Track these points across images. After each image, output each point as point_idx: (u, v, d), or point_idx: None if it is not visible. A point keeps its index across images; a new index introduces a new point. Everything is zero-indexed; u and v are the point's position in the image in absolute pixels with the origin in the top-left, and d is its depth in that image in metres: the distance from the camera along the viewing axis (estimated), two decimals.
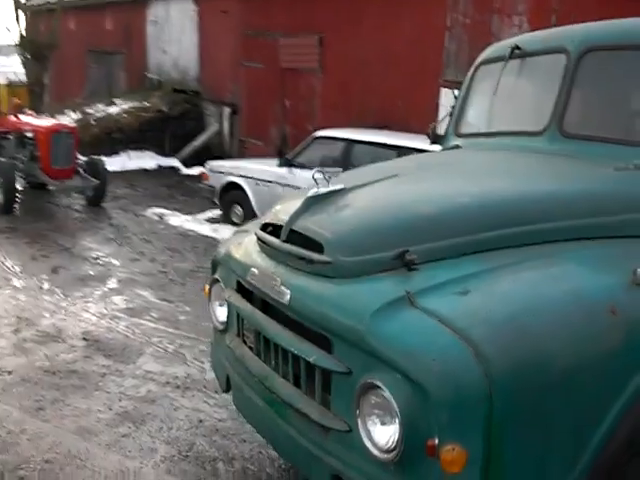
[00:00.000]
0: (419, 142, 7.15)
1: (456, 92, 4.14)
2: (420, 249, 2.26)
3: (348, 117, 11.03)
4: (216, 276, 3.12)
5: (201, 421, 3.78)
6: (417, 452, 1.97)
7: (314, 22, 12.01)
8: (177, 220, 9.00)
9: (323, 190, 2.53)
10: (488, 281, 2.16)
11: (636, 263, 2.22)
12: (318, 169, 2.55)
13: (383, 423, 2.08)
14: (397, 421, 1.99)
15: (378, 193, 2.57)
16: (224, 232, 8.35)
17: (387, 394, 2.00)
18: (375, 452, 2.10)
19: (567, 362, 1.99)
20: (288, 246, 2.48)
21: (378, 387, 2.04)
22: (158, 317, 5.44)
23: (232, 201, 8.71)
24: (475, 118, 3.77)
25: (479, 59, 3.83)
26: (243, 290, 2.85)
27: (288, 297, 2.38)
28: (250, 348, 2.81)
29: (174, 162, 14.22)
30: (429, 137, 4.05)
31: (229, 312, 2.99)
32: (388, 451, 2.06)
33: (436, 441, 1.91)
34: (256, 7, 13.26)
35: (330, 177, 2.54)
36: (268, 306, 2.64)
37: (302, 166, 7.89)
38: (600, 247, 2.38)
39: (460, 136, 3.75)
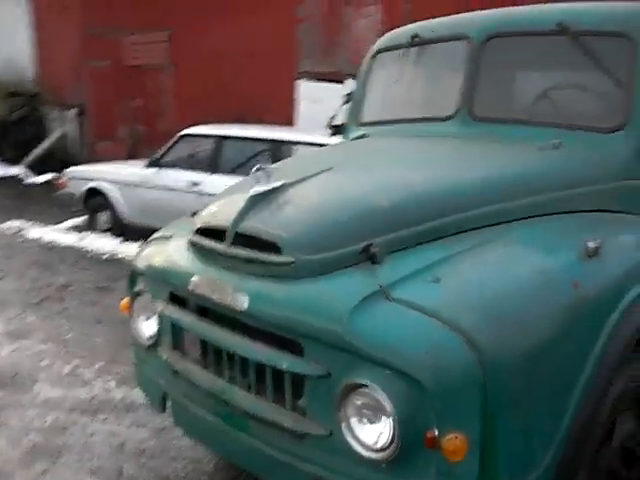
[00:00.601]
0: (294, 134, 7.15)
1: (352, 81, 4.16)
2: (381, 241, 2.23)
3: (204, 113, 10.75)
4: (139, 288, 2.89)
5: (122, 444, 3.51)
6: (414, 446, 1.94)
7: (162, 17, 11.60)
8: (37, 232, 8.31)
9: (264, 188, 2.41)
10: (454, 267, 2.17)
11: (583, 236, 2.34)
12: (259, 166, 2.43)
13: (372, 422, 2.02)
14: (390, 418, 1.94)
15: (323, 187, 2.49)
16: (92, 241, 7.87)
17: (378, 392, 1.95)
18: (364, 453, 2.04)
19: (546, 339, 2.05)
20: (238, 250, 2.34)
21: (366, 386, 1.98)
22: (43, 338, 4.98)
23: (97, 207, 8.19)
24: (378, 106, 3.80)
25: (375, 48, 3.85)
26: (178, 301, 2.66)
27: (245, 304, 2.25)
28: (194, 361, 2.63)
29: (16, 171, 13.13)
30: (330, 128, 4.03)
31: (161, 325, 2.78)
32: (380, 450, 2.01)
33: (436, 432, 1.89)
34: (100, 1, 12.52)
35: (265, 174, 2.43)
36: (208, 315, 2.49)
37: (170, 166, 7.60)
38: (547, 224, 2.48)
39: (363, 125, 3.76)
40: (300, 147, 6.96)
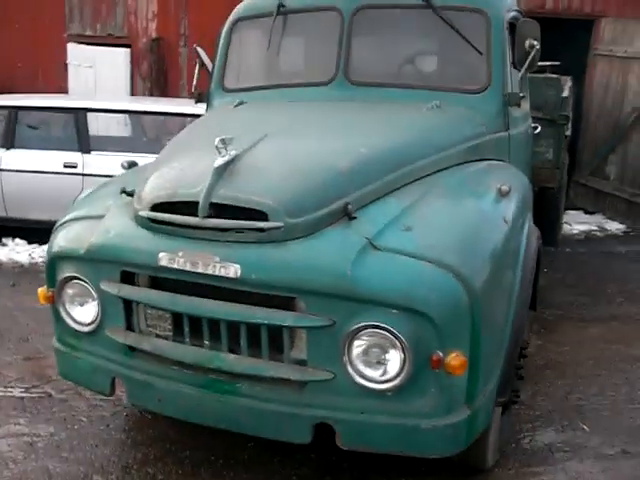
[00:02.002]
0: (96, 102, 6.79)
1: (199, 49, 4.20)
2: (352, 199, 2.48)
3: None
4: (69, 274, 2.75)
5: (31, 444, 3.29)
6: (421, 370, 2.29)
7: None
8: None
9: (225, 158, 2.46)
10: (416, 216, 2.52)
11: (491, 181, 2.86)
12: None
13: (379, 359, 2.31)
14: (400, 350, 2.26)
15: (281, 154, 2.62)
16: None
17: (389, 330, 2.24)
18: (372, 386, 2.33)
19: (498, 265, 2.53)
20: (217, 221, 2.39)
21: (374, 327, 2.26)
22: None
23: None
24: (248, 73, 3.94)
25: (234, 16, 3.94)
26: (130, 280, 2.62)
27: (238, 271, 2.34)
28: (161, 337, 2.63)
29: None
30: (194, 97, 4.03)
31: (108, 307, 2.70)
32: (386, 381, 2.32)
33: (440, 354, 2.26)
34: None
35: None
36: (178, 289, 2.52)
37: None
38: (461, 174, 2.95)
39: (229, 91, 3.86)
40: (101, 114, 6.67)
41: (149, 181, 2.69)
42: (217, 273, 2.38)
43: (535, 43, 3.36)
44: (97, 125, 7.06)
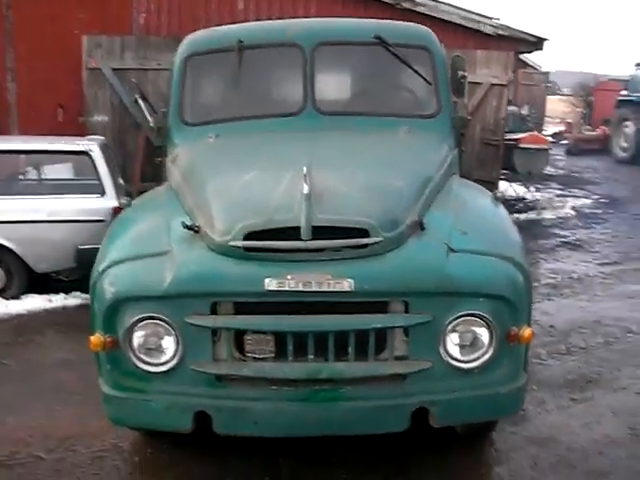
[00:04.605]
0: None
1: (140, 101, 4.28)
2: (417, 213, 2.90)
3: None
4: (143, 314, 2.73)
5: None
6: (501, 345, 2.78)
7: None
8: None
9: (308, 185, 2.66)
10: (462, 222, 2.97)
11: (482, 190, 3.49)
12: None
13: (471, 342, 2.76)
14: (489, 330, 2.74)
15: (348, 181, 2.93)
16: None
17: (480, 315, 2.71)
18: (464, 366, 2.78)
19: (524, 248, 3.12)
20: (321, 242, 2.62)
21: (469, 315, 2.71)
22: None
23: None
24: (210, 107, 4.06)
25: (186, 52, 4.05)
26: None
27: (352, 285, 2.60)
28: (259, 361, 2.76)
29: None
30: (155, 132, 4.03)
31: (191, 342, 2.74)
32: (476, 359, 2.78)
33: (515, 329, 2.78)
34: None
35: None
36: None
37: None
38: (461, 184, 3.52)
39: (191, 125, 3.95)
40: None
41: (221, 214, 2.80)
42: (332, 289, 2.61)
43: (465, 74, 4.05)
44: None
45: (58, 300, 5.83)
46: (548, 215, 10.12)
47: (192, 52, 4.03)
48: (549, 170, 13.29)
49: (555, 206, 10.84)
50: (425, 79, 3.93)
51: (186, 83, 4.00)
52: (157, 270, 2.75)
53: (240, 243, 2.68)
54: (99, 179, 5.99)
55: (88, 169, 6.06)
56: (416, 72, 3.91)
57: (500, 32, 10.47)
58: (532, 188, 11.73)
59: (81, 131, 7.82)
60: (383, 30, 3.96)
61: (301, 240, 2.61)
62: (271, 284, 2.63)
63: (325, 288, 2.62)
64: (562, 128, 20.83)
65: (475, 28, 10.38)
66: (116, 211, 5.93)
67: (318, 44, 3.89)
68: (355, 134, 3.72)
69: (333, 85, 4.06)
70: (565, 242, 8.59)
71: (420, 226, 2.83)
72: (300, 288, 2.62)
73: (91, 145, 6.10)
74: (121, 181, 6.67)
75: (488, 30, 10.45)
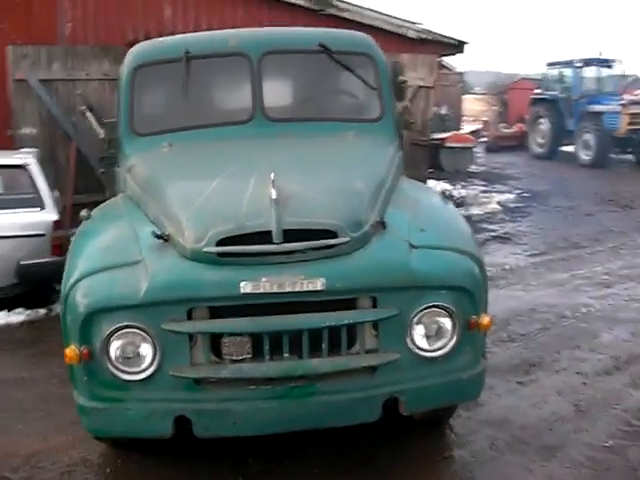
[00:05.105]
0: None
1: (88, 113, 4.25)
2: (379, 213, 3.05)
3: None
4: (120, 324, 2.76)
5: None
6: (463, 333, 2.97)
7: None
8: None
9: (275, 190, 2.78)
10: (420, 220, 3.14)
11: (432, 189, 3.65)
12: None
13: (435, 332, 2.93)
14: (452, 320, 2.92)
15: (311, 185, 3.05)
16: None
17: (444, 306, 2.90)
18: (429, 355, 2.95)
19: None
20: (292, 244, 2.73)
21: (434, 307, 2.89)
22: None
23: None
24: (160, 117, 4.09)
25: (133, 62, 4.06)
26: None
27: (325, 283, 2.72)
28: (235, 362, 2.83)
29: None
30: (105, 143, 4.03)
31: (169, 348, 2.79)
32: (440, 348, 2.96)
33: (475, 317, 2.97)
34: None
35: None
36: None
37: None
38: (417, 185, 3.68)
39: (142, 135, 3.97)
40: None
41: (192, 222, 2.86)
42: (305, 289, 2.73)
43: (405, 79, 4.25)
44: None
45: (1, 317, 5.67)
46: (476, 211, 10.52)
47: (140, 63, 4.06)
48: (472, 167, 13.81)
49: (481, 202, 11.28)
50: (369, 84, 4.10)
51: (135, 94, 4.01)
52: (131, 280, 2.79)
53: (214, 249, 2.75)
54: (37, 193, 5.86)
55: (25, 183, 5.92)
56: (360, 78, 4.08)
57: (423, 36, 10.86)
58: (458, 185, 12.19)
59: (9, 144, 7.61)
60: (327, 38, 4.10)
61: (273, 244, 2.72)
62: (247, 287, 2.72)
63: (299, 288, 2.73)
64: (479, 126, 21.62)
65: (399, 33, 10.72)
66: (57, 225, 5.86)
67: (265, 53, 4.00)
68: (305, 139, 3.84)
69: (281, 92, 4.17)
70: (495, 236, 8.98)
71: (382, 225, 2.98)
72: (275, 290, 2.73)
73: (28, 158, 5.97)
74: (57, 193, 6.56)
75: (412, 34, 10.82)
